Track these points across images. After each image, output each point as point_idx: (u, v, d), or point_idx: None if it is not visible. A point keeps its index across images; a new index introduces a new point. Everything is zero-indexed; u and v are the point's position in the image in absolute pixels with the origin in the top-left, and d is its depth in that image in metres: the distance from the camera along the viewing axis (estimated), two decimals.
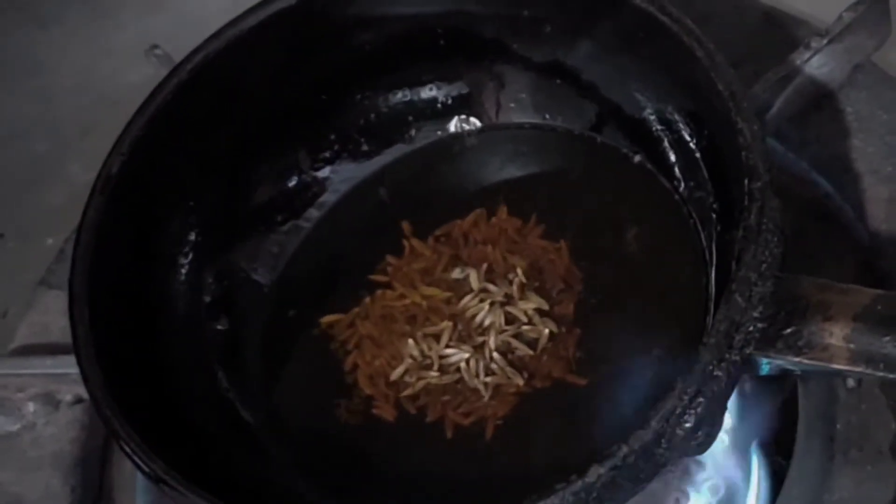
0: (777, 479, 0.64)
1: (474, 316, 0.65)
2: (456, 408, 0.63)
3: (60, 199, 0.83)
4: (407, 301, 0.67)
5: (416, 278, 0.67)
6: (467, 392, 0.63)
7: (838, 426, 0.63)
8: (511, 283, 0.65)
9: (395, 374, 0.65)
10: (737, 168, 0.54)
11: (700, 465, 0.65)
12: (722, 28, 0.72)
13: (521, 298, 0.65)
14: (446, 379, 0.64)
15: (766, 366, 0.56)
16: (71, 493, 0.69)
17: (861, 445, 0.62)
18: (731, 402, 0.64)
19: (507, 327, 0.64)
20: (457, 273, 0.66)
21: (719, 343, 0.50)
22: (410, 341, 0.65)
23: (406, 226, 0.69)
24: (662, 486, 0.65)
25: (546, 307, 0.64)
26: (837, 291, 0.52)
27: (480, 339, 0.64)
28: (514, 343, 0.64)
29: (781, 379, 0.66)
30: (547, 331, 0.63)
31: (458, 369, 0.64)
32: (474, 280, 0.66)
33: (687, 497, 0.65)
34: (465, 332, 0.65)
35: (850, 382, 0.63)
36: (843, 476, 0.61)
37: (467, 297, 0.65)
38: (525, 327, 0.64)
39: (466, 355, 0.64)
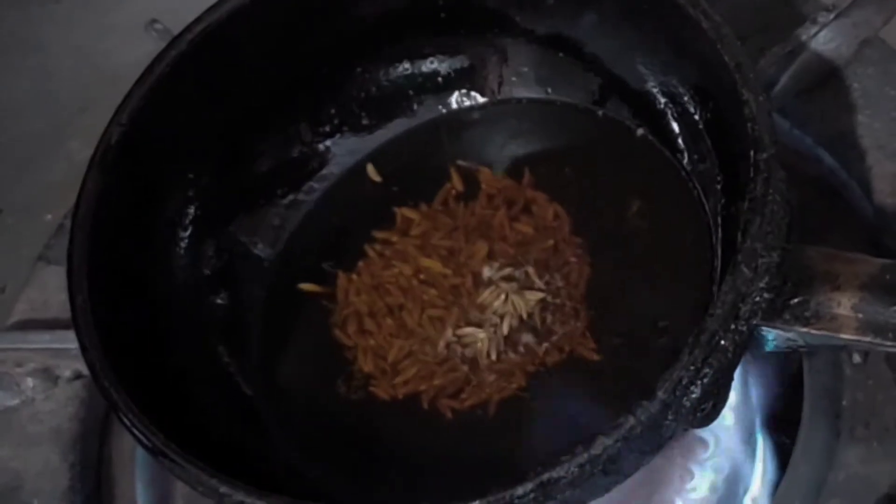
0: (782, 457, 0.64)
1: (484, 301, 0.64)
2: (454, 394, 0.63)
3: (59, 175, 0.83)
4: (396, 271, 0.67)
5: (410, 249, 0.67)
6: (468, 373, 0.63)
7: (844, 403, 0.62)
8: (521, 265, 0.65)
9: (392, 356, 0.64)
10: (742, 140, 0.53)
11: (704, 443, 0.65)
12: (728, 2, 0.71)
13: (528, 288, 0.64)
14: (446, 360, 0.63)
15: (771, 342, 0.56)
16: (70, 468, 0.69)
17: (867, 422, 0.62)
18: (736, 381, 0.64)
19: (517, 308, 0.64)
20: (486, 271, 0.65)
21: (725, 314, 0.49)
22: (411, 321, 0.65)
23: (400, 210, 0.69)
24: (667, 463, 0.65)
25: (551, 293, 0.64)
26: (844, 261, 0.52)
27: (491, 319, 0.64)
28: (526, 324, 0.63)
29: (786, 356, 0.66)
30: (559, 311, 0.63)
31: (463, 351, 0.63)
32: (487, 271, 0.65)
33: (692, 475, 0.65)
34: (471, 313, 0.64)
35: (857, 358, 0.63)
36: (849, 454, 0.61)
37: (486, 292, 0.64)
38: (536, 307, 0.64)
39: (482, 334, 0.63)
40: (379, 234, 0.68)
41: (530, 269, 0.64)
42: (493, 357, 0.63)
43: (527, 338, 0.63)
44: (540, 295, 0.64)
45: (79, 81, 0.89)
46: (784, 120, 0.70)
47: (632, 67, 0.66)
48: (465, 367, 0.63)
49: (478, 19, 0.69)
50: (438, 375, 0.63)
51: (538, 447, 0.59)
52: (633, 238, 0.65)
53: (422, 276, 0.66)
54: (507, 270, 0.65)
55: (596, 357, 0.61)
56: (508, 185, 0.69)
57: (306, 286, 0.68)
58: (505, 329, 0.63)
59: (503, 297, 0.64)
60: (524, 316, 0.63)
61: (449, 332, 0.64)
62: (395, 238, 0.68)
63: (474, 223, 0.67)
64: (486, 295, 0.64)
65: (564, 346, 0.62)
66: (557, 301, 0.63)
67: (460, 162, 0.70)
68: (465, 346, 0.64)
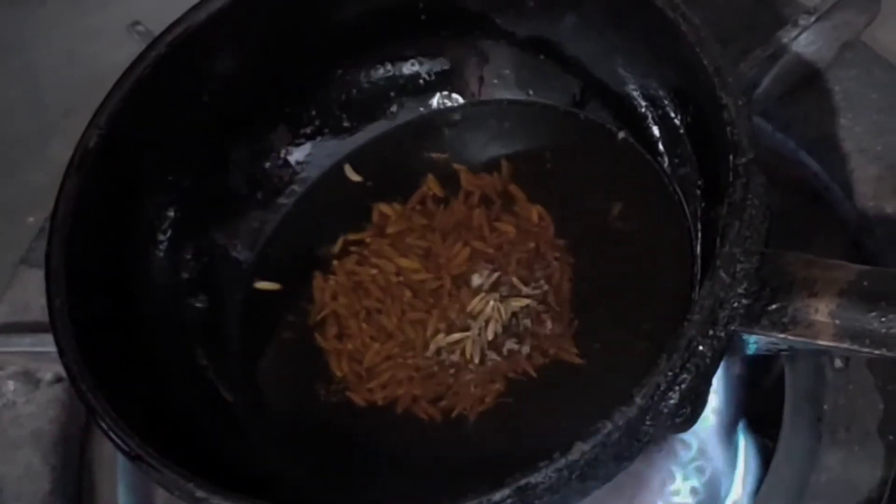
0: (764, 460, 0.64)
1: (474, 308, 0.64)
2: (433, 400, 0.62)
3: (42, 178, 0.82)
4: (374, 272, 0.67)
5: (385, 249, 0.67)
6: (446, 378, 0.63)
7: (825, 407, 0.63)
8: (508, 273, 0.65)
9: (367, 360, 0.64)
10: (722, 144, 0.53)
11: (686, 445, 0.65)
12: (709, 5, 0.71)
13: (514, 295, 0.64)
14: (423, 365, 0.63)
15: (752, 345, 0.56)
16: (51, 472, 0.69)
17: (849, 426, 0.62)
18: (718, 383, 0.64)
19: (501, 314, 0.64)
20: (475, 279, 0.65)
21: (703, 319, 0.49)
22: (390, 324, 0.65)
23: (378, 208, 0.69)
24: (648, 467, 0.65)
25: (534, 297, 0.64)
26: (823, 267, 0.52)
27: (473, 323, 0.63)
28: (509, 328, 0.63)
29: (768, 359, 0.66)
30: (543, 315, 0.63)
31: (448, 357, 0.63)
32: (477, 279, 0.65)
33: (673, 478, 0.65)
34: (453, 316, 0.64)
35: (838, 363, 0.63)
36: (830, 457, 0.61)
37: (475, 300, 0.64)
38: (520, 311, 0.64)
39: (468, 338, 0.63)
40: (353, 236, 0.68)
41: (515, 279, 0.64)
42: (477, 361, 0.62)
43: (510, 342, 0.63)
44: (525, 301, 0.63)
45: (63, 83, 0.89)
46: (766, 123, 0.70)
47: (612, 70, 0.66)
48: (445, 373, 0.63)
49: (458, 21, 0.69)
50: (416, 381, 0.63)
51: (519, 451, 0.58)
52: (613, 241, 0.64)
53: (400, 278, 0.66)
54: (495, 277, 0.64)
55: (578, 361, 0.61)
56: (487, 182, 0.69)
57: (262, 285, 0.68)
58: (490, 334, 0.63)
59: (490, 302, 0.63)
60: (506, 321, 0.63)
61: (440, 337, 0.63)
62: (368, 239, 0.68)
63: (452, 223, 0.67)
64: (475, 302, 0.64)
65: (547, 350, 0.62)
66: (541, 306, 0.63)
67: (434, 154, 0.70)
68: (451, 351, 0.63)
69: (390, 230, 0.68)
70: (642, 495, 0.64)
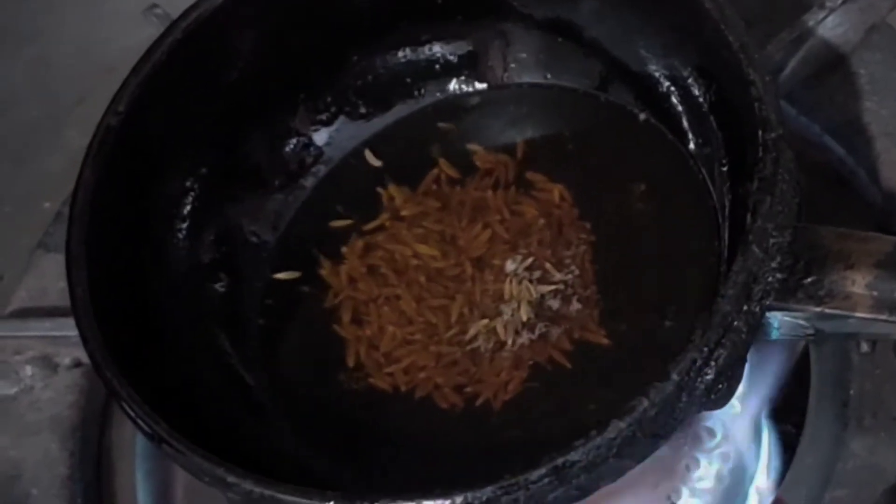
0: (788, 447, 0.63)
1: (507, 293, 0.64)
2: (458, 386, 0.62)
3: (57, 164, 0.83)
4: (390, 256, 0.66)
5: (403, 233, 0.67)
6: (469, 365, 0.63)
7: (851, 392, 0.62)
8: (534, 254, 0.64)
9: (384, 346, 0.64)
10: (749, 121, 0.53)
11: (711, 432, 0.65)
12: None
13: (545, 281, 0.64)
14: (446, 351, 0.63)
15: (776, 330, 0.57)
16: (70, 457, 0.69)
17: (875, 412, 0.62)
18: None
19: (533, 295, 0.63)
20: (509, 264, 0.64)
21: (738, 294, 0.49)
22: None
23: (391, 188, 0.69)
24: (673, 453, 0.65)
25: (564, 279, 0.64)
26: (858, 239, 0.52)
27: (504, 307, 0.63)
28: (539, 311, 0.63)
29: (793, 346, 0.65)
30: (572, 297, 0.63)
31: (472, 341, 0.63)
32: (510, 265, 0.64)
33: (698, 464, 0.65)
34: (477, 301, 0.64)
35: (864, 347, 0.63)
36: (856, 443, 0.61)
37: (508, 283, 0.64)
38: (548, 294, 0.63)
39: (500, 318, 0.63)
40: (367, 227, 0.68)
41: (548, 265, 0.64)
42: (510, 343, 0.62)
43: (540, 325, 0.62)
44: (555, 286, 0.63)
45: (77, 71, 0.89)
46: (791, 107, 0.69)
47: (633, 51, 0.65)
48: (468, 360, 0.63)
49: (475, 4, 0.69)
50: (438, 368, 0.63)
51: (546, 435, 0.59)
52: (637, 222, 0.64)
53: (418, 262, 0.66)
54: (528, 262, 0.64)
55: (606, 342, 0.61)
56: (502, 159, 0.68)
57: (282, 275, 0.68)
58: (524, 315, 0.62)
59: (524, 283, 0.63)
60: (537, 303, 0.63)
61: (478, 323, 0.63)
62: (386, 223, 0.68)
63: (469, 205, 0.67)
64: (507, 286, 0.63)
65: (574, 333, 0.62)
66: (568, 289, 0.63)
67: (454, 139, 0.70)
68: (477, 337, 0.63)
69: (404, 213, 0.68)
70: (667, 481, 0.64)
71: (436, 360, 0.63)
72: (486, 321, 0.63)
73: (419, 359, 0.63)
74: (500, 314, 0.63)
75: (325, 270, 0.67)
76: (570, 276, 0.63)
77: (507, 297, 0.63)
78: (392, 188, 0.69)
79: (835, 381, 0.63)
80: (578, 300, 0.62)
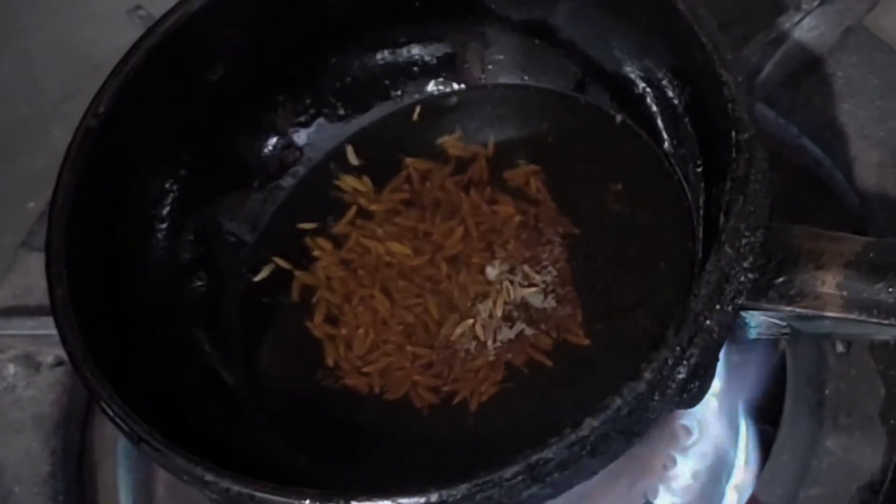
0: (765, 445, 0.64)
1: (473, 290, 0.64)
2: (434, 387, 0.62)
3: (42, 163, 0.83)
4: (365, 256, 0.67)
5: (377, 231, 0.68)
6: (444, 366, 0.63)
7: (827, 392, 0.63)
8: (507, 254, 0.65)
9: (357, 348, 0.64)
10: (722, 121, 0.53)
11: (688, 431, 0.66)
12: None
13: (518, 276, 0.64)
14: (422, 352, 0.63)
15: (754, 329, 0.56)
16: (51, 455, 0.69)
17: (850, 411, 0.62)
18: (719, 369, 0.64)
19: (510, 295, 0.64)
20: (489, 271, 0.65)
21: (710, 294, 0.50)
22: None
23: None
24: (650, 451, 0.65)
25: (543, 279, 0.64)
26: (829, 239, 0.52)
27: (481, 307, 0.64)
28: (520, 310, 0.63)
29: (770, 345, 0.66)
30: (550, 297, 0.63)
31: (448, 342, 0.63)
32: (491, 271, 0.64)
33: (674, 462, 0.65)
34: (454, 301, 0.64)
35: (840, 348, 0.63)
36: (832, 442, 0.62)
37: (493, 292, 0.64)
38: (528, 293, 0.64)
39: (472, 321, 0.63)
40: (337, 226, 0.69)
41: (527, 267, 0.64)
42: (490, 343, 0.62)
43: (518, 324, 0.63)
44: (535, 288, 0.63)
45: (62, 69, 0.89)
46: (769, 109, 0.70)
47: (608, 52, 0.66)
48: (444, 360, 0.63)
49: (452, 7, 0.69)
50: (415, 368, 0.63)
51: (524, 434, 0.58)
52: (613, 222, 0.65)
53: (391, 259, 0.66)
54: (505, 261, 0.64)
55: (585, 342, 0.61)
56: (477, 152, 0.69)
57: (260, 276, 0.68)
58: (499, 313, 0.63)
59: (503, 284, 0.64)
60: (517, 302, 0.63)
61: (455, 324, 0.63)
62: (356, 220, 0.68)
63: (444, 202, 0.68)
64: (484, 287, 0.64)
65: (553, 332, 0.62)
66: (547, 289, 0.63)
67: (431, 138, 0.71)
68: (455, 338, 0.63)
69: (373, 208, 0.68)
70: (644, 479, 0.65)
71: (411, 360, 0.63)
72: (469, 321, 0.63)
73: (395, 360, 0.64)
74: (477, 314, 0.63)
75: (300, 271, 0.68)
76: (548, 276, 0.64)
77: (482, 296, 0.64)
78: (352, 180, 0.69)
79: (811, 381, 0.64)
80: (556, 300, 0.63)
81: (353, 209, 0.69)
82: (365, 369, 0.64)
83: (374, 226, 0.68)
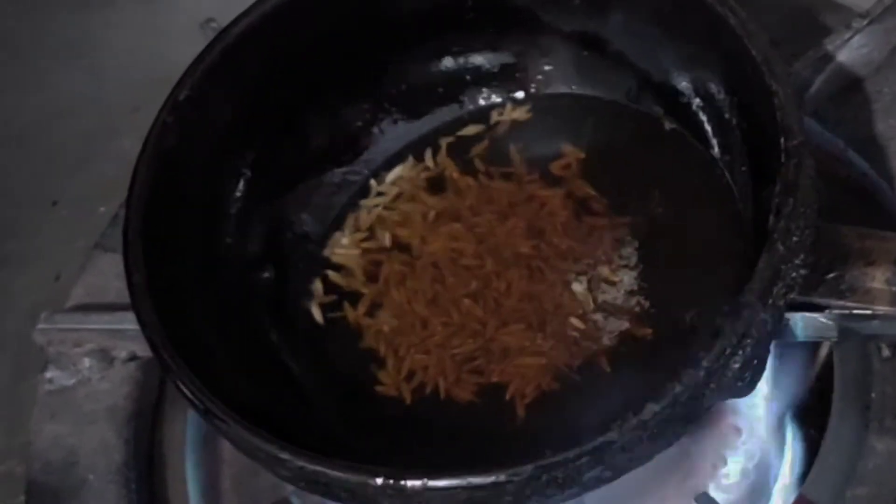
0: (811, 448, 0.65)
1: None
2: (481, 385, 0.64)
3: (112, 171, 0.82)
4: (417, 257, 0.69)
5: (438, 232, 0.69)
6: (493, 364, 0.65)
7: (873, 395, 0.64)
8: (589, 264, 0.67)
9: (402, 351, 0.66)
10: (772, 130, 0.55)
11: (738, 431, 0.67)
12: (761, 10, 0.73)
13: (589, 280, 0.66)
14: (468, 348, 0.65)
15: (801, 331, 0.58)
16: (125, 445, 0.70)
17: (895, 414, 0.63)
18: (767, 371, 0.65)
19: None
20: (576, 286, 0.66)
21: (764, 288, 0.51)
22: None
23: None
24: (700, 450, 0.66)
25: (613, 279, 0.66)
26: (878, 238, 0.54)
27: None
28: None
29: (816, 350, 0.67)
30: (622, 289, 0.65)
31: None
32: (577, 286, 0.66)
33: (724, 462, 0.66)
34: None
35: (885, 352, 0.64)
36: (877, 444, 0.62)
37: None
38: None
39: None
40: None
41: (607, 270, 0.66)
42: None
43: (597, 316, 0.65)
44: (605, 290, 0.65)
45: (130, 83, 0.90)
46: (817, 123, 0.71)
47: (658, 63, 0.68)
48: (494, 357, 0.65)
49: (505, 18, 0.71)
50: (462, 364, 0.65)
51: (579, 422, 0.59)
52: (666, 226, 0.66)
53: (455, 259, 0.68)
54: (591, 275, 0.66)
55: (649, 333, 0.63)
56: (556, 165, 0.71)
57: (328, 272, 0.70)
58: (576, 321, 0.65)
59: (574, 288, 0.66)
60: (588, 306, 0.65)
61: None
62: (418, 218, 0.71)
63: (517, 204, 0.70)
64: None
65: (622, 326, 0.64)
66: (615, 289, 0.65)
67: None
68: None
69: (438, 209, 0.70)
70: (694, 477, 0.66)
71: (462, 358, 0.65)
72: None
73: (438, 357, 0.65)
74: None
75: (362, 269, 0.70)
76: (618, 277, 0.66)
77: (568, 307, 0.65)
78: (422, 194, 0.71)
79: (857, 384, 0.65)
80: (621, 301, 0.65)
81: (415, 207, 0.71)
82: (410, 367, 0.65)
83: (435, 225, 0.70)
